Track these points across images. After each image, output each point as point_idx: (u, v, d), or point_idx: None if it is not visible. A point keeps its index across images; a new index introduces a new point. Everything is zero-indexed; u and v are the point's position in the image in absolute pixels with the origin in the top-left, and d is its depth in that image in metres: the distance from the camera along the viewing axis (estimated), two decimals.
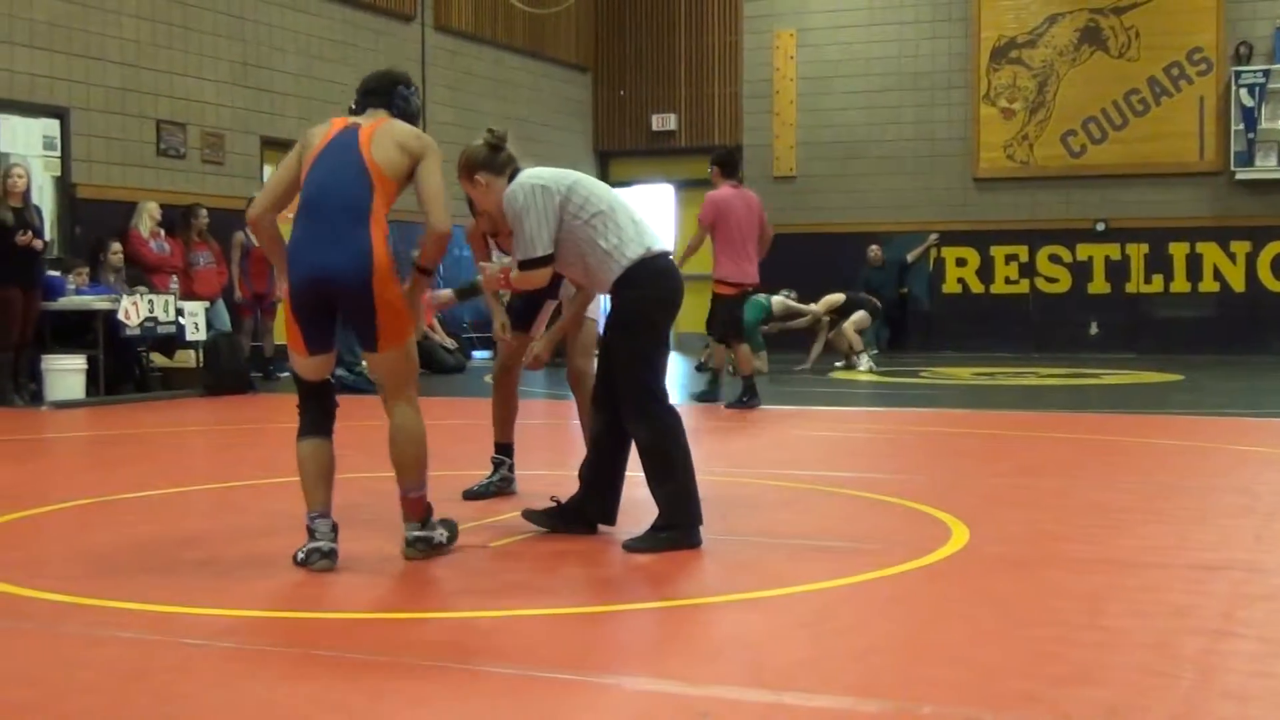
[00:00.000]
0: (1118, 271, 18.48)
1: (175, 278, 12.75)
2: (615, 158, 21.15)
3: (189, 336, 12.18)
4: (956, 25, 19.02)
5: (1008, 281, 18.95)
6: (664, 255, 5.09)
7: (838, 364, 15.32)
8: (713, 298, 10.92)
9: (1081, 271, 18.63)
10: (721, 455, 7.81)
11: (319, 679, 3.35)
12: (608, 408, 5.07)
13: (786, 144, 19.83)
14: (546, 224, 4.93)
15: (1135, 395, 12.66)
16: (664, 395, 5.08)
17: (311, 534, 4.56)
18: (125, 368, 11.98)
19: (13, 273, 10.69)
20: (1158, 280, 18.32)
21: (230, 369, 12.27)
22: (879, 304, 15.89)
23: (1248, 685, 3.28)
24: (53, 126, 12.46)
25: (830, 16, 19.54)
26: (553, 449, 8.17)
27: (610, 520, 5.18)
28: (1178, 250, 18.20)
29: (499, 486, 6.13)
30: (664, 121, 20.55)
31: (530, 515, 5.24)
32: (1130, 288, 18.43)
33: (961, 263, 19.14)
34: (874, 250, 18.32)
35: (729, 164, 10.87)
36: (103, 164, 12.88)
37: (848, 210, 19.43)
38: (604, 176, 20.62)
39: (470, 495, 6.01)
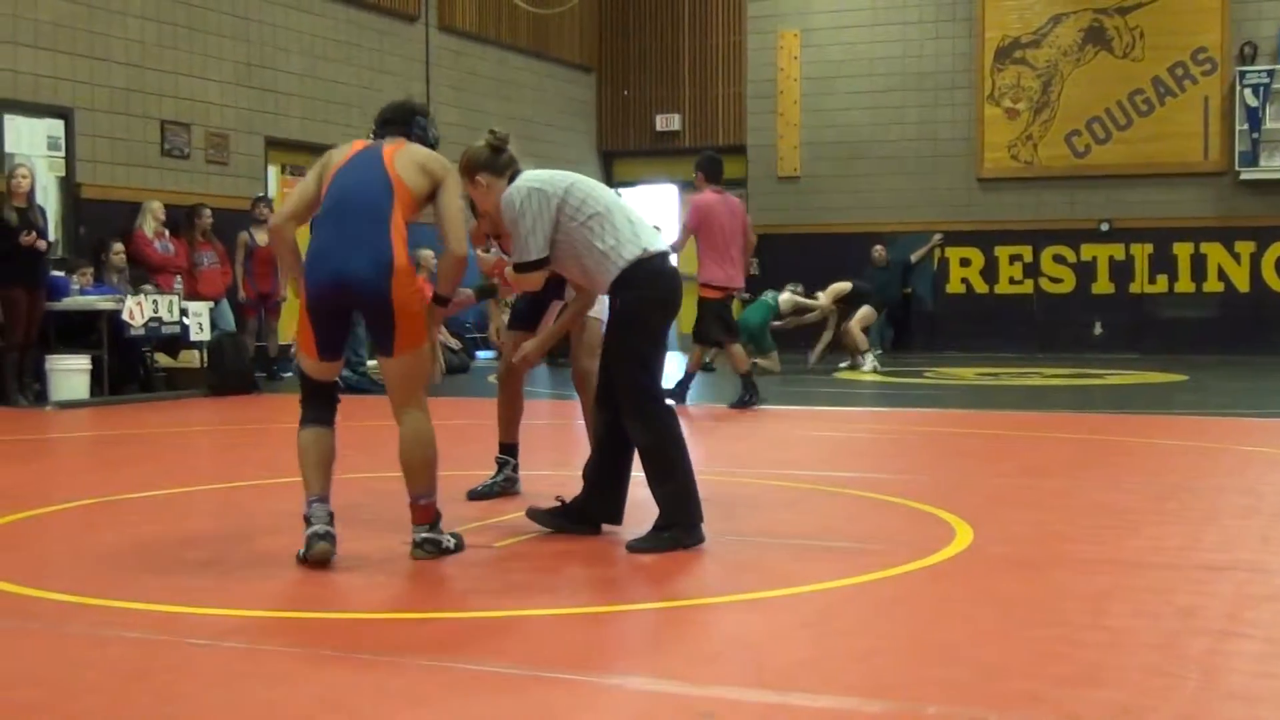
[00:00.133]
0: (1122, 272, 18.46)
1: (179, 278, 12.76)
2: (619, 158, 21.15)
3: (193, 336, 12.19)
4: (960, 25, 19.01)
5: (1012, 282, 18.94)
6: (661, 256, 5.09)
7: (841, 364, 15.32)
8: (699, 302, 10.98)
9: (1086, 272, 18.61)
10: (725, 455, 7.81)
11: (322, 679, 3.35)
12: (610, 407, 5.07)
13: (790, 144, 19.83)
14: (541, 227, 4.96)
15: (1139, 395, 12.65)
16: (661, 395, 5.09)
17: (308, 520, 4.58)
18: (129, 368, 11.99)
19: (17, 273, 10.70)
20: (1162, 280, 18.31)
21: (234, 369, 12.27)
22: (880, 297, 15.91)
23: (1253, 686, 3.27)
24: (57, 127, 12.48)
25: (834, 17, 19.54)
26: (557, 449, 8.17)
27: (617, 520, 5.17)
28: (1182, 250, 18.18)
29: (503, 487, 6.13)
30: (668, 122, 20.56)
31: (535, 514, 5.24)
32: (1134, 288, 18.42)
33: (965, 263, 19.13)
34: (878, 250, 18.31)
35: (712, 169, 11.06)
36: (107, 164, 12.89)
37: (852, 210, 19.42)
38: (608, 177, 20.65)
39: (474, 495, 6.01)
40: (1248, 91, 17.60)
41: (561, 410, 10.57)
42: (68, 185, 12.56)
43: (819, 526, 5.50)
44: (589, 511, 5.17)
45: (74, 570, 4.65)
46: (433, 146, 4.97)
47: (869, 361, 15.01)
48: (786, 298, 15.28)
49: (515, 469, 6.21)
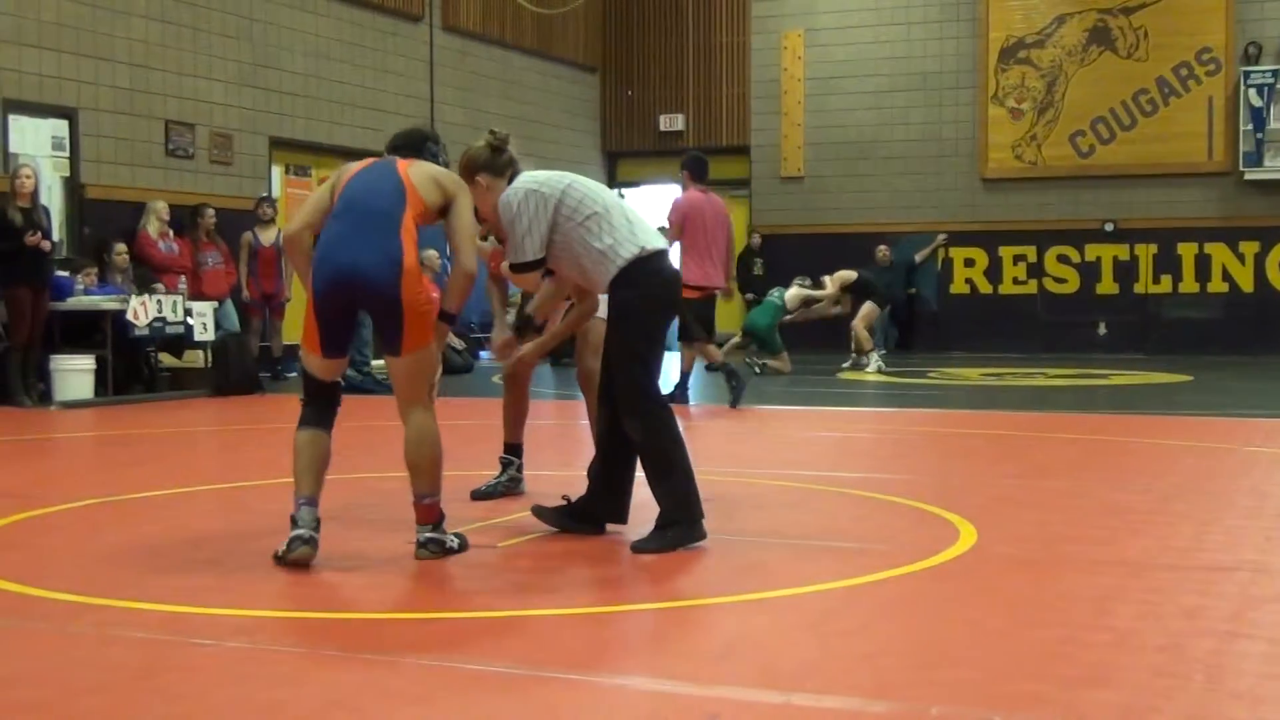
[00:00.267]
0: (1126, 272, 18.45)
1: (184, 278, 12.77)
2: (623, 158, 21.16)
3: (197, 337, 12.20)
4: (964, 25, 19.01)
5: (1016, 282, 18.93)
6: (660, 255, 5.09)
7: (844, 364, 15.32)
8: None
9: (1090, 272, 18.60)
10: (728, 455, 7.80)
11: (326, 679, 3.35)
12: (611, 405, 5.07)
13: (794, 144, 19.82)
14: (537, 228, 4.98)
15: (1144, 396, 12.63)
16: (659, 394, 5.08)
17: (294, 522, 4.58)
18: (134, 368, 12.01)
19: (21, 273, 10.71)
20: (1166, 280, 18.30)
21: (238, 369, 12.29)
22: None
23: (1258, 687, 3.27)
24: (61, 127, 12.49)
25: (838, 17, 19.54)
26: (562, 449, 8.17)
27: (622, 519, 5.17)
28: (1186, 251, 18.17)
29: (507, 486, 6.13)
30: (672, 122, 20.56)
31: (539, 512, 5.24)
32: (1139, 288, 18.41)
33: (969, 263, 19.13)
34: (882, 250, 18.29)
35: (698, 168, 11.14)
36: (111, 164, 12.90)
37: (855, 210, 19.42)
38: (612, 177, 20.66)
39: (478, 495, 6.01)
40: (1252, 92, 17.59)
41: (567, 411, 10.57)
42: (72, 185, 12.58)
43: (823, 527, 5.50)
44: (593, 511, 5.17)
45: (78, 570, 4.65)
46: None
47: (873, 362, 15.00)
48: (794, 292, 15.26)
49: (519, 469, 6.21)
